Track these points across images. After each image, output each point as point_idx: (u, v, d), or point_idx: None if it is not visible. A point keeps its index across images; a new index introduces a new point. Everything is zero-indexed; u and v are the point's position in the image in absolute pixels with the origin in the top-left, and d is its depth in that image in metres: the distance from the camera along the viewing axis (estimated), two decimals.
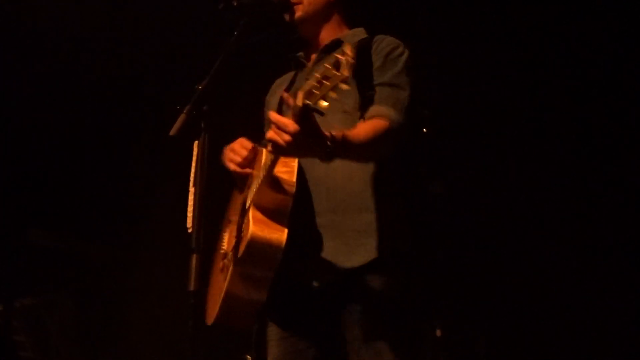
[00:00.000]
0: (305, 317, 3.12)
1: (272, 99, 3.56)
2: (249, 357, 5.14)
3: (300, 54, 3.50)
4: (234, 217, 3.27)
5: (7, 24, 6.33)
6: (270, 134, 2.61)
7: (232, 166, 3.17)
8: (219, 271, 3.24)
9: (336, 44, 3.22)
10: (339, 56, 2.34)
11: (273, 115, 2.62)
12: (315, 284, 3.02)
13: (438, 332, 5.35)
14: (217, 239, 3.52)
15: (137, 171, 7.00)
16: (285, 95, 2.69)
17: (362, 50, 3.03)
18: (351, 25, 3.46)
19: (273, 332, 3.21)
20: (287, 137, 2.54)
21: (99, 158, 7.21)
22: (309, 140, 2.59)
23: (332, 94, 2.38)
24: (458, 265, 5.98)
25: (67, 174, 7.27)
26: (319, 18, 3.38)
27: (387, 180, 3.12)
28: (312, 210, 3.04)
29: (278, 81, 3.64)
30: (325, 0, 3.37)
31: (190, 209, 2.87)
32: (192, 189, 2.88)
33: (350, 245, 3.00)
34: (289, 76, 3.55)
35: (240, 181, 3.27)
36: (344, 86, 2.35)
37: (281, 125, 2.55)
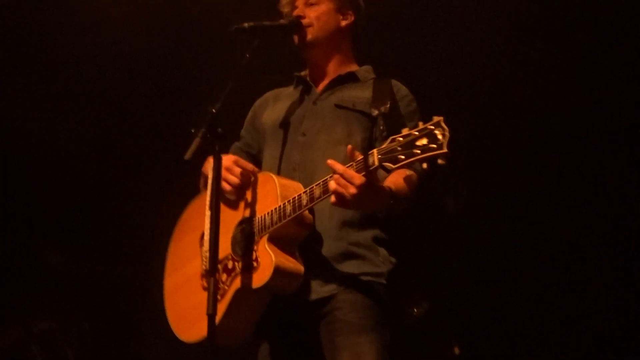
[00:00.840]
0: (292, 333, 3.13)
1: (264, 111, 3.53)
2: None
3: (305, 73, 3.51)
4: (202, 230, 3.18)
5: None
6: (334, 185, 2.67)
7: (227, 187, 3.11)
8: (198, 286, 3.19)
9: (350, 77, 3.36)
10: (434, 130, 2.44)
11: (338, 167, 2.67)
12: (294, 302, 3.02)
13: (457, 350, 5.37)
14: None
15: (153, 192, 7.00)
16: (350, 148, 2.71)
17: (387, 89, 3.14)
18: (359, 59, 3.50)
19: (264, 349, 3.21)
20: (353, 191, 2.62)
21: (116, 179, 7.21)
22: (373, 196, 2.70)
23: (424, 165, 2.47)
24: (473, 282, 5.99)
25: (83, 195, 7.28)
26: (328, 44, 3.40)
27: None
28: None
29: (272, 93, 3.63)
30: (336, 27, 3.39)
31: (206, 232, 2.88)
32: (207, 212, 2.89)
33: (330, 270, 3.03)
34: (288, 92, 3.54)
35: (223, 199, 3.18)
36: (441, 161, 2.44)
37: (347, 177, 2.62)
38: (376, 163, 2.58)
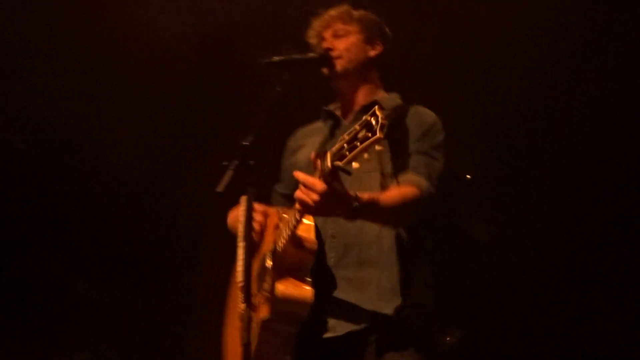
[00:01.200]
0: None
1: (296, 147, 3.59)
2: None
3: (334, 106, 3.53)
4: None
5: None
6: (298, 193, 2.68)
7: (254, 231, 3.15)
8: (236, 330, 3.17)
9: (374, 106, 3.32)
10: (370, 118, 2.40)
11: (300, 175, 2.70)
12: (336, 333, 3.05)
13: None
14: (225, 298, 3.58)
15: (184, 223, 7.05)
16: (312, 155, 2.71)
17: (399, 117, 3.12)
18: (387, 88, 3.51)
19: None
20: (315, 197, 2.63)
21: (146, 211, 7.28)
22: (336, 200, 2.67)
23: (365, 155, 2.45)
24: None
25: (114, 226, 7.31)
26: (357, 75, 3.42)
27: (414, 239, 3.15)
28: (325, 263, 3.09)
29: (304, 130, 3.66)
30: (365, 58, 3.42)
31: (240, 263, 2.91)
32: (241, 244, 2.93)
33: (374, 298, 3.04)
34: (318, 126, 3.57)
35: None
36: (379, 147, 2.43)
37: (309, 184, 2.64)
38: (329, 165, 2.55)
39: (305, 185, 2.65)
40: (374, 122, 2.39)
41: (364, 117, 2.44)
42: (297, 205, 2.78)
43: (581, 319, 6.03)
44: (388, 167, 3.11)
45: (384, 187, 3.00)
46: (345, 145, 2.49)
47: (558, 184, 6.21)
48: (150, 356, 7.71)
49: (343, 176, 2.72)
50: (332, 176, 2.59)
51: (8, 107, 6.48)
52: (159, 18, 6.03)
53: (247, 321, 2.73)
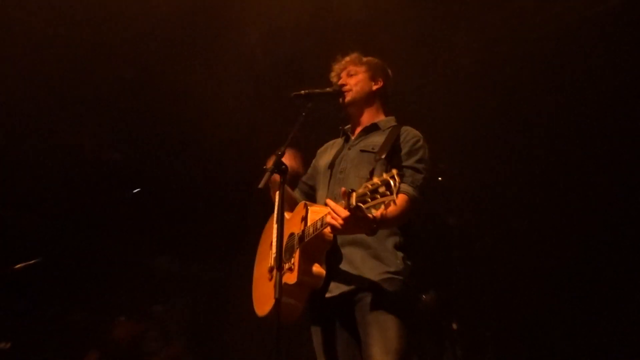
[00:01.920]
0: (329, 315, 3.17)
1: (321, 158, 3.58)
2: None
3: (348, 127, 3.53)
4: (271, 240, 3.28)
5: None
6: (329, 218, 2.81)
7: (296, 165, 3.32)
8: (266, 279, 3.26)
9: (374, 127, 3.39)
10: (390, 179, 2.54)
11: (330, 203, 2.82)
12: (335, 293, 3.08)
13: (454, 326, 5.37)
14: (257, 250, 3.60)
15: (239, 214, 7.10)
16: (343, 190, 2.79)
17: (393, 136, 3.19)
18: (387, 111, 3.51)
19: (315, 330, 3.25)
20: (340, 222, 2.77)
21: (216, 203, 7.40)
22: (356, 224, 2.79)
23: (381, 208, 2.61)
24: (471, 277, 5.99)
25: (194, 214, 7.47)
26: (363, 103, 3.43)
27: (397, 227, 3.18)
28: (334, 241, 3.12)
29: (329, 143, 3.65)
30: (369, 90, 3.44)
31: (274, 239, 3.00)
32: (274, 226, 3.00)
33: (362, 268, 3.08)
34: (338, 142, 3.57)
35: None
36: (393, 205, 2.58)
37: (337, 212, 2.77)
38: (354, 204, 2.68)
39: (335, 212, 2.78)
40: (392, 184, 2.53)
41: (385, 178, 2.56)
42: (326, 218, 2.88)
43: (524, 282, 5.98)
44: (378, 173, 3.10)
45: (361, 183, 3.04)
46: (368, 192, 2.61)
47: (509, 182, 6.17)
48: (204, 309, 7.80)
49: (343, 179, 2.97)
50: (357, 209, 2.71)
51: None
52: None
53: (279, 282, 2.81)
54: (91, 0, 5.29)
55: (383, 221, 2.86)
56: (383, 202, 2.56)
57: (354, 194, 2.68)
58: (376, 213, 2.78)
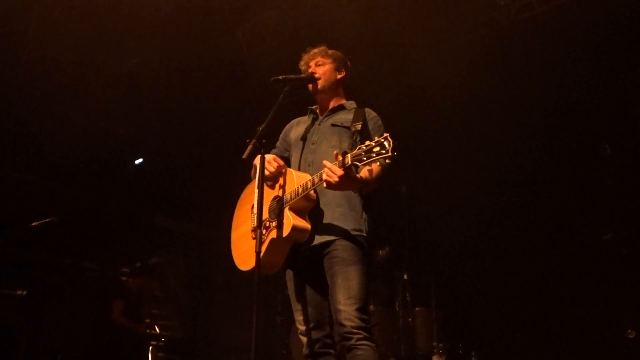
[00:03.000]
0: (307, 264, 3.10)
1: (290, 131, 3.50)
2: None
3: (315, 107, 3.47)
4: (252, 204, 3.19)
5: None
6: (325, 176, 2.78)
7: (267, 173, 3.10)
8: (249, 238, 3.17)
9: (340, 107, 3.34)
10: (384, 141, 2.56)
11: (327, 163, 2.78)
12: (308, 245, 3.02)
13: (405, 276, 5.40)
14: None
15: (224, 179, 7.04)
16: (335, 153, 2.78)
17: (361, 114, 3.15)
18: (347, 96, 3.45)
19: (289, 274, 3.20)
20: (336, 179, 2.75)
21: (203, 172, 7.33)
22: (348, 182, 2.78)
23: (375, 164, 2.64)
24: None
25: (187, 182, 7.36)
26: (329, 90, 3.37)
27: (364, 194, 3.12)
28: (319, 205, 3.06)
29: (295, 120, 3.57)
30: (334, 79, 3.38)
31: (255, 203, 2.94)
32: (256, 190, 2.95)
33: (331, 224, 3.03)
34: (304, 119, 3.50)
35: (267, 181, 3.18)
36: (388, 161, 2.59)
37: (333, 170, 2.75)
38: (349, 162, 2.69)
39: (331, 170, 2.75)
40: (386, 145, 2.56)
41: (379, 139, 2.59)
42: (315, 178, 2.86)
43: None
44: (345, 144, 3.11)
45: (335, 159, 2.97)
46: (363, 153, 2.62)
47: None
48: (197, 262, 7.75)
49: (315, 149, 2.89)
50: (349, 168, 2.72)
51: None
52: None
53: (259, 237, 2.78)
54: None
55: (366, 182, 2.91)
56: (379, 159, 2.58)
57: (349, 155, 2.69)
58: (361, 174, 2.83)
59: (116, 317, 6.20)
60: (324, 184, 2.81)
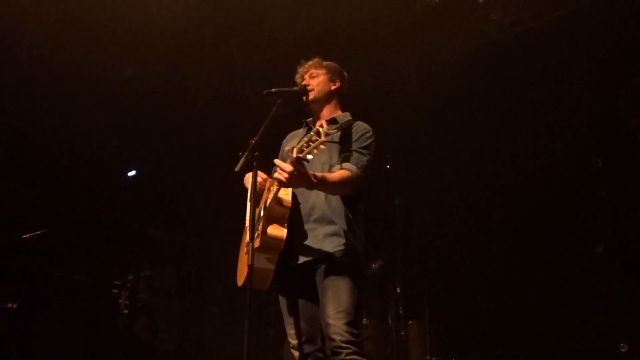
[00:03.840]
0: (294, 280, 3.08)
1: (286, 145, 3.49)
2: None
3: (309, 120, 3.45)
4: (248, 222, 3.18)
5: None
6: (276, 174, 2.79)
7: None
8: (244, 253, 3.12)
9: (333, 121, 3.29)
10: (320, 129, 2.61)
11: (276, 161, 2.81)
12: (300, 261, 3.00)
13: (398, 289, 5.39)
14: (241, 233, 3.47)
15: (220, 191, 7.04)
16: (287, 149, 2.79)
17: (347, 128, 3.13)
18: (343, 108, 3.43)
19: (281, 293, 3.17)
20: (285, 175, 2.74)
21: (202, 182, 7.32)
22: (300, 178, 2.76)
23: (315, 151, 2.64)
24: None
25: (185, 193, 7.34)
26: (323, 100, 3.34)
27: (350, 205, 3.10)
28: (300, 218, 3.04)
29: (291, 134, 3.55)
30: (328, 90, 3.36)
31: (247, 215, 2.94)
32: (249, 203, 2.94)
33: (323, 241, 3.00)
34: (300, 132, 3.48)
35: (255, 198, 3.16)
36: (322, 147, 2.64)
37: (282, 167, 2.76)
38: (294, 156, 2.69)
39: (280, 167, 2.76)
40: (321, 131, 2.61)
41: (314, 128, 2.64)
42: (275, 178, 2.84)
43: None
44: (335, 159, 3.11)
45: (329, 170, 3.01)
46: (304, 144, 2.65)
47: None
48: (189, 273, 7.73)
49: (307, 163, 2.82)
50: (297, 162, 2.70)
51: None
52: None
53: (251, 250, 2.75)
54: None
55: (322, 181, 2.86)
56: (315, 146, 2.63)
57: (295, 148, 2.70)
58: (318, 174, 2.84)
59: (138, 332, 6.14)
60: (276, 184, 2.82)
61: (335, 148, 3.12)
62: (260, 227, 2.94)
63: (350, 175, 2.96)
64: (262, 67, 5.98)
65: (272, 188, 2.97)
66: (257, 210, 3.10)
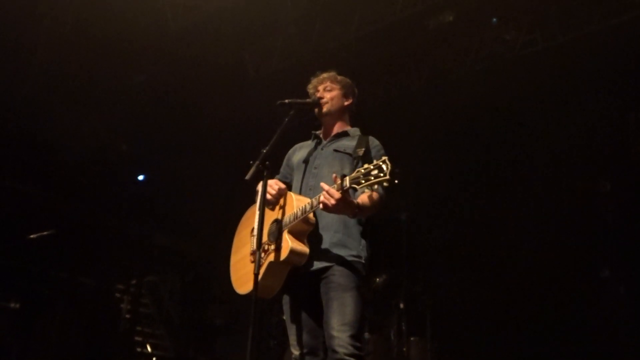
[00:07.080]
0: (304, 288, 3.06)
1: (293, 155, 3.48)
2: None
3: (319, 132, 3.45)
4: (252, 227, 3.15)
5: None
6: (322, 198, 2.76)
7: (269, 196, 3.08)
8: (248, 261, 3.13)
9: (344, 134, 3.32)
10: (382, 164, 2.55)
11: (324, 186, 2.77)
12: (306, 269, 2.99)
13: (401, 305, 5.36)
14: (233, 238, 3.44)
15: (226, 200, 7.04)
16: (334, 176, 2.77)
17: (364, 142, 3.14)
18: (352, 123, 3.43)
19: (285, 299, 3.16)
20: (333, 202, 2.74)
21: (209, 189, 7.33)
22: (345, 206, 2.78)
23: (374, 187, 2.60)
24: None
25: (190, 201, 7.36)
26: (335, 115, 3.35)
27: (361, 220, 3.10)
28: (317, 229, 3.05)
29: (298, 145, 3.53)
30: (341, 106, 3.37)
31: (255, 225, 2.92)
32: (257, 212, 2.93)
33: (331, 250, 3.01)
34: (307, 144, 3.47)
35: (268, 204, 3.14)
36: (386, 184, 2.56)
37: (331, 193, 2.74)
38: (347, 185, 2.67)
39: (329, 193, 2.75)
40: (384, 168, 2.54)
41: (377, 162, 2.58)
42: (313, 201, 2.84)
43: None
44: (347, 170, 3.06)
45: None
46: (361, 176, 2.61)
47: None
48: (193, 279, 7.71)
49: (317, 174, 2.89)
50: (346, 192, 2.70)
51: None
52: None
53: (258, 260, 2.75)
54: None
55: (362, 208, 2.88)
56: (377, 182, 2.55)
57: (347, 178, 2.66)
58: (359, 200, 2.81)
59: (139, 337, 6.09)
60: (321, 206, 2.79)
61: (347, 159, 3.12)
62: (279, 241, 2.94)
63: (380, 198, 2.97)
64: (274, 78, 6.00)
65: (296, 206, 2.95)
66: (268, 221, 3.08)
